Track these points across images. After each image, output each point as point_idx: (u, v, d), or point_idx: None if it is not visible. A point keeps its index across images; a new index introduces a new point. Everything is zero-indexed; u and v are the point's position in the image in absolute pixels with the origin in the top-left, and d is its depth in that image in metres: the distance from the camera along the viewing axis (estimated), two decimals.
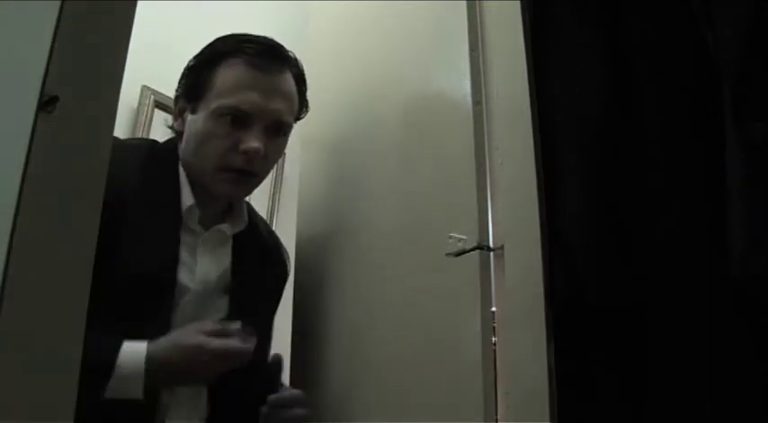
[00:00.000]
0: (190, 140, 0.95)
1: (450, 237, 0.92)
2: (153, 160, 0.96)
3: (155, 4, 1.51)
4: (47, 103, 0.40)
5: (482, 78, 0.97)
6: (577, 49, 0.85)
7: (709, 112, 0.71)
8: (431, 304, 0.95)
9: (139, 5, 0.50)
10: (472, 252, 0.89)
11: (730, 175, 0.68)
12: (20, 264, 0.37)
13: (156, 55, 1.58)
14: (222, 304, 0.94)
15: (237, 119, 0.91)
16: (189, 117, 0.96)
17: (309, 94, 1.03)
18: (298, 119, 1.03)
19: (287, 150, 1.04)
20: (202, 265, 0.93)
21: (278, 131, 0.95)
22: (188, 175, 0.95)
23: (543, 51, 0.88)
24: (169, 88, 1.62)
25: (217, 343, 0.80)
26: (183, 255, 0.91)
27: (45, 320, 0.39)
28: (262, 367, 0.94)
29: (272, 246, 1.10)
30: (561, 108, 0.85)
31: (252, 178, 0.96)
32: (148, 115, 1.56)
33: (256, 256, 1.02)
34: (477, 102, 0.95)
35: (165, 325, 0.84)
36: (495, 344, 0.86)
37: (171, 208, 0.92)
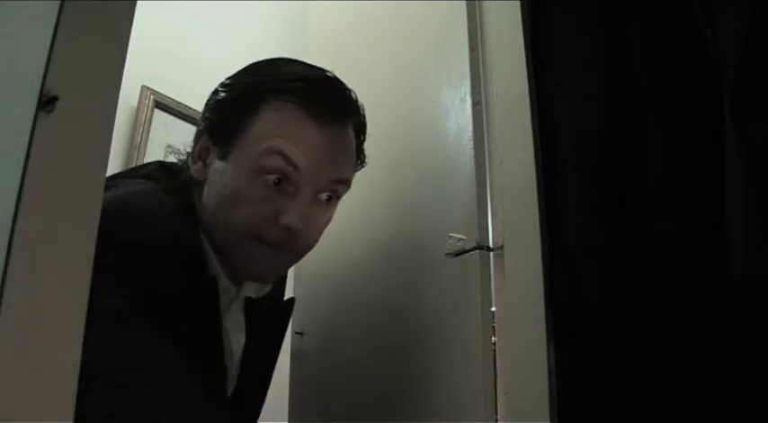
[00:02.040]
0: (213, 196, 0.74)
1: (450, 237, 0.92)
2: (174, 227, 0.72)
3: (155, 4, 1.51)
4: (46, 103, 0.40)
5: (482, 78, 0.97)
6: (577, 50, 0.85)
7: (709, 112, 0.71)
8: (431, 304, 0.95)
9: (139, 5, 0.50)
10: (472, 252, 0.89)
11: (730, 175, 0.68)
12: (20, 264, 0.37)
13: (156, 55, 1.58)
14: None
15: (282, 180, 0.71)
16: (215, 163, 0.75)
17: None
18: None
19: None
20: (234, 343, 0.78)
21: (331, 196, 0.76)
22: (206, 236, 0.75)
23: (543, 51, 0.88)
24: (169, 88, 1.63)
25: None
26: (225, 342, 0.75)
27: (45, 320, 0.39)
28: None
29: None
30: (561, 108, 0.85)
31: (291, 256, 0.77)
32: (148, 115, 1.56)
33: (266, 304, 0.85)
34: (477, 102, 0.95)
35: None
36: (495, 344, 0.86)
37: (206, 300, 0.72)
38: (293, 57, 0.82)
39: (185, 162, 0.83)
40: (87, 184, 0.43)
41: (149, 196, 0.73)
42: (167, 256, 0.68)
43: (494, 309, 0.87)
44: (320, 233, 0.78)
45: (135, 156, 1.51)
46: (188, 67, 1.67)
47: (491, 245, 0.89)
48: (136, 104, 1.56)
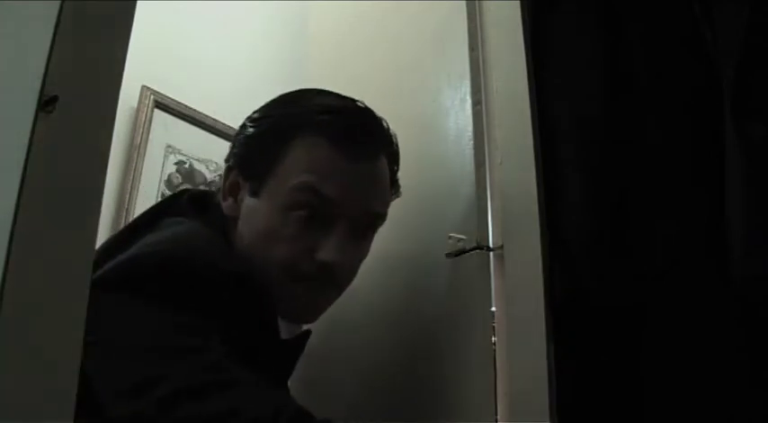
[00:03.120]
0: (246, 235, 0.72)
1: (450, 237, 0.92)
2: (222, 247, 0.70)
3: (155, 4, 1.51)
4: (46, 103, 0.40)
5: (482, 78, 0.97)
6: (577, 50, 0.85)
7: (709, 112, 0.71)
8: (431, 304, 0.95)
9: (139, 5, 0.50)
10: (472, 252, 0.89)
11: (730, 175, 0.68)
12: (20, 264, 0.37)
13: (156, 55, 1.58)
14: None
15: (315, 214, 0.70)
16: (247, 200, 0.74)
17: None
18: None
19: None
20: None
21: (366, 229, 0.76)
22: None
23: (543, 51, 0.88)
24: (169, 88, 1.63)
25: None
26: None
27: (45, 320, 0.39)
28: None
29: None
30: (561, 108, 0.85)
31: (333, 291, 0.75)
32: (148, 115, 1.56)
33: None
34: (476, 102, 0.95)
35: None
36: (494, 344, 0.86)
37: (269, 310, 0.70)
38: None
39: (209, 187, 0.80)
40: (87, 184, 0.43)
41: (198, 236, 0.70)
42: (231, 294, 0.64)
43: (494, 309, 0.87)
44: (358, 267, 0.78)
45: (135, 156, 1.51)
46: (188, 67, 1.67)
47: (491, 245, 0.89)
48: (136, 104, 1.56)
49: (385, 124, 0.79)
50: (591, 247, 0.78)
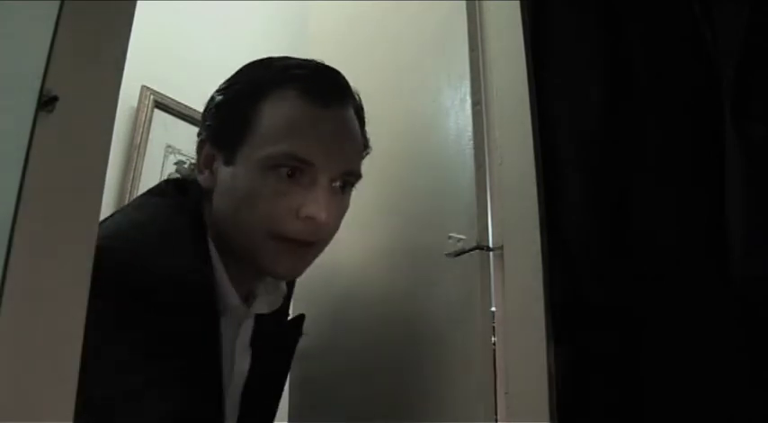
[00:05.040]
0: (225, 202, 0.73)
1: (450, 237, 0.92)
2: (178, 242, 0.71)
3: (155, 4, 1.51)
4: (46, 103, 0.40)
5: (482, 79, 0.97)
6: (577, 50, 0.85)
7: (709, 112, 0.71)
8: (431, 304, 0.95)
9: (139, 5, 0.50)
10: (472, 252, 0.89)
11: (730, 175, 0.68)
12: (19, 264, 0.37)
13: (156, 55, 1.58)
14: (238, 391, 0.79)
15: (296, 171, 0.70)
16: (222, 169, 0.73)
17: None
18: None
19: None
20: (238, 366, 0.77)
21: (345, 185, 0.75)
22: (218, 248, 0.74)
23: (543, 51, 0.88)
24: (169, 88, 1.63)
25: None
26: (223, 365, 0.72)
27: (45, 320, 0.39)
28: None
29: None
30: (561, 108, 0.85)
31: (313, 249, 0.75)
32: (148, 115, 1.56)
33: (274, 316, 0.84)
34: (476, 102, 0.95)
35: None
36: (494, 344, 0.86)
37: (207, 312, 0.70)
38: (293, 57, 0.82)
39: (191, 175, 0.81)
40: (87, 184, 0.43)
41: (152, 223, 0.71)
42: (171, 290, 0.65)
43: (494, 309, 0.87)
44: (340, 221, 0.78)
45: (135, 156, 1.51)
46: (188, 67, 1.67)
47: (491, 245, 0.89)
48: (136, 104, 1.56)
49: (347, 80, 0.79)
50: (591, 247, 0.78)
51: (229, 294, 0.73)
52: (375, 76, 1.19)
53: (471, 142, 0.93)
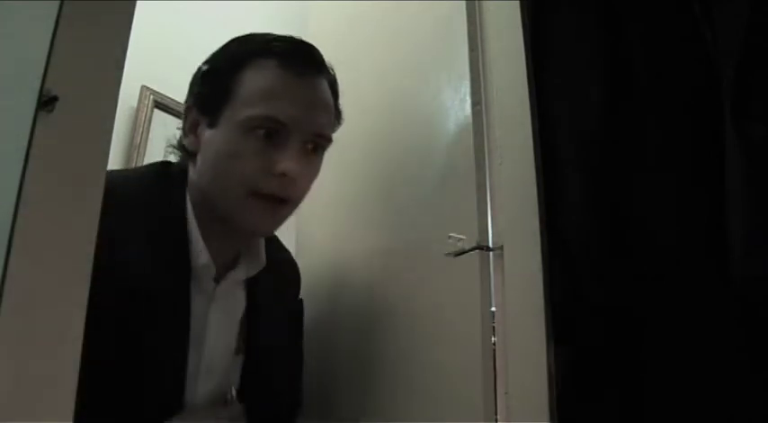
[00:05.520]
0: (207, 161, 0.80)
1: (450, 237, 0.92)
2: (153, 198, 0.78)
3: (155, 4, 1.51)
4: (46, 103, 0.40)
5: (482, 79, 0.97)
6: (577, 50, 0.85)
7: (709, 112, 0.71)
8: (430, 304, 0.95)
9: (139, 5, 0.50)
10: (472, 252, 0.89)
11: (730, 176, 0.68)
12: (19, 264, 0.37)
13: (156, 55, 1.58)
14: (237, 362, 0.84)
15: (271, 133, 0.77)
16: (206, 132, 0.80)
17: None
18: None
19: None
20: (214, 335, 0.80)
21: (316, 148, 0.83)
22: (198, 209, 0.80)
23: (543, 51, 0.88)
24: (169, 88, 1.63)
25: None
26: (193, 325, 0.76)
27: (45, 320, 0.39)
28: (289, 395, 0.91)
29: (286, 264, 1.00)
30: (561, 108, 0.85)
31: (286, 207, 0.81)
32: (148, 115, 1.56)
33: (272, 290, 0.90)
34: (476, 102, 0.95)
35: (178, 406, 0.75)
36: (494, 344, 0.86)
37: (177, 269, 0.76)
38: (274, 33, 0.87)
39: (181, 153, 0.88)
40: (87, 184, 0.43)
41: (149, 167, 0.84)
42: (144, 237, 0.74)
43: (494, 309, 0.87)
44: (311, 182, 0.85)
45: (135, 156, 1.51)
46: (188, 67, 1.66)
47: (491, 245, 0.89)
48: (136, 104, 1.56)
49: (324, 56, 0.87)
50: (591, 247, 0.78)
51: (201, 253, 0.78)
52: (375, 76, 1.19)
53: (471, 142, 0.93)
